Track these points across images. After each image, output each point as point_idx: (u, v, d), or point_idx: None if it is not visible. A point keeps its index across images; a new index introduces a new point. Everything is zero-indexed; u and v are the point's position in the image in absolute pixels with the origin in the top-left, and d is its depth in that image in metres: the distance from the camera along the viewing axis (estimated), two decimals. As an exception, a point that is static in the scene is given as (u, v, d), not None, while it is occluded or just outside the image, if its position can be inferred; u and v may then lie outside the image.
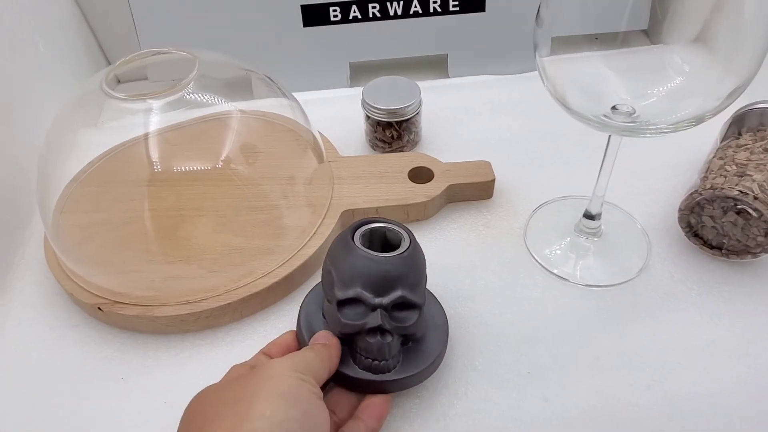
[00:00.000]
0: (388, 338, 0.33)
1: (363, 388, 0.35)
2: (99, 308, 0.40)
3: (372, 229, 0.36)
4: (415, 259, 0.34)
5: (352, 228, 0.36)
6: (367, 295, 0.33)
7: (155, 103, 0.40)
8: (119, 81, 0.61)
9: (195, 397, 0.30)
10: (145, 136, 0.46)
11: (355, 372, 0.34)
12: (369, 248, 0.34)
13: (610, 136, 0.37)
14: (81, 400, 0.38)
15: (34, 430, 0.36)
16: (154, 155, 0.45)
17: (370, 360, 0.34)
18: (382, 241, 0.37)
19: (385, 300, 0.33)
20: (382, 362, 0.33)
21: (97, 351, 0.40)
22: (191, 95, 0.41)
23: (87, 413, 0.37)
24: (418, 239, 0.46)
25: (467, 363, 0.38)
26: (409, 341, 0.35)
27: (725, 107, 0.31)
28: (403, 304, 0.33)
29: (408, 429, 0.35)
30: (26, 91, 0.51)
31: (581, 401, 0.36)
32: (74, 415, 0.37)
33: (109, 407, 0.37)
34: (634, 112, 0.35)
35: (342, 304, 0.33)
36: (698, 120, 0.31)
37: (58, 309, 0.43)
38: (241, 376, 0.30)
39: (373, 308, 0.33)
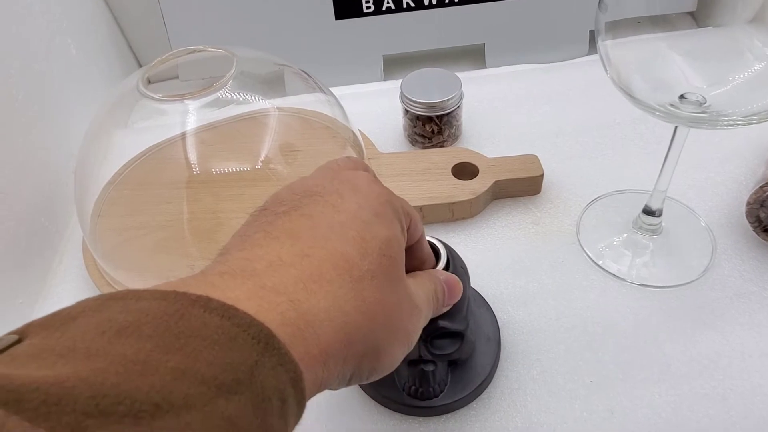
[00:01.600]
0: (430, 367, 0.32)
1: (409, 413, 0.34)
2: (140, 316, 0.39)
3: None
4: None
5: None
6: None
7: (192, 104, 0.39)
8: (150, 81, 0.60)
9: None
10: (181, 137, 0.45)
11: (401, 397, 0.33)
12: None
13: (676, 127, 0.35)
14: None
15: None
16: (191, 157, 0.44)
17: (415, 387, 0.32)
18: None
19: (423, 333, 0.31)
20: (428, 389, 0.32)
21: (139, 359, 0.39)
22: (228, 94, 0.40)
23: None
24: (464, 239, 0.45)
25: (524, 372, 0.36)
26: (457, 362, 0.34)
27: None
28: (443, 334, 0.32)
29: (465, 442, 0.33)
30: (60, 95, 0.51)
31: (651, 413, 0.34)
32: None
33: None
34: (705, 102, 0.32)
35: None
36: (786, 109, 0.28)
37: (98, 316, 0.42)
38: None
39: None
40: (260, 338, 0.16)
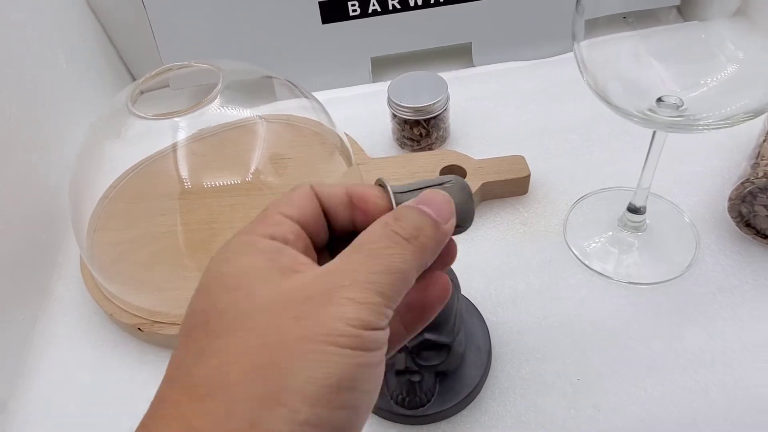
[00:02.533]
0: (416, 377, 0.33)
1: (398, 421, 0.35)
2: (139, 329, 0.40)
3: None
4: None
5: None
6: None
7: (182, 120, 0.39)
8: (141, 92, 0.61)
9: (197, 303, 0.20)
10: (172, 149, 0.46)
11: (389, 406, 0.34)
12: None
13: (655, 131, 0.35)
14: (129, 418, 0.38)
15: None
16: (182, 169, 0.45)
17: (402, 396, 0.33)
18: None
19: (409, 344, 0.32)
20: (415, 398, 0.33)
21: (139, 370, 0.40)
22: (217, 108, 0.40)
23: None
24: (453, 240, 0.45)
25: (513, 372, 0.37)
26: (445, 373, 0.35)
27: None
28: (429, 345, 0.32)
29: (457, 443, 0.34)
30: (52, 109, 0.51)
31: (636, 408, 0.35)
32: (122, 438, 0.37)
33: (156, 429, 0.37)
34: (682, 105, 0.33)
35: None
36: (757, 112, 0.29)
37: (98, 329, 0.43)
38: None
39: (399, 351, 0.32)
40: None
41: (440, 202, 0.21)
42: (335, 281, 0.18)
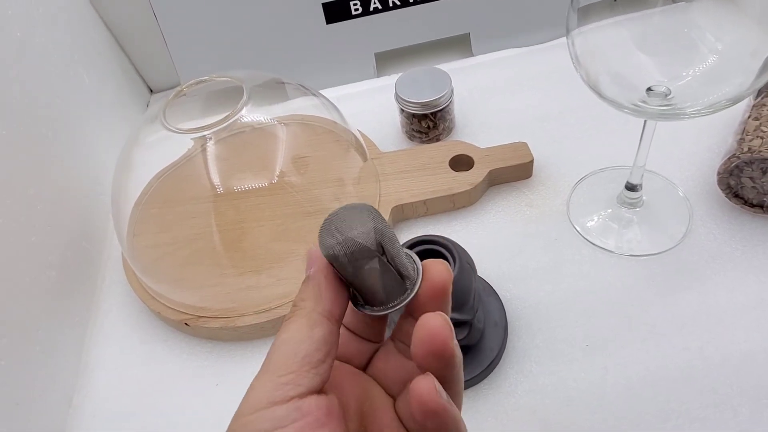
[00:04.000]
0: None
1: None
2: (186, 323, 0.44)
3: (418, 252, 0.36)
4: (460, 282, 0.35)
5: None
6: None
7: (213, 133, 0.43)
8: (152, 91, 0.64)
9: None
10: (195, 155, 0.50)
11: None
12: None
13: (645, 120, 0.39)
14: (183, 408, 0.42)
15: (146, 437, 0.41)
16: (212, 174, 0.48)
17: None
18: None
19: None
20: None
21: (190, 361, 0.44)
22: (242, 118, 0.44)
23: (190, 420, 0.41)
24: (465, 225, 0.49)
25: (528, 342, 0.41)
26: (467, 347, 0.38)
27: (762, 83, 0.32)
28: (453, 323, 0.36)
29: (482, 406, 0.38)
30: (81, 125, 0.55)
31: (639, 367, 0.39)
32: (180, 423, 0.41)
33: (211, 413, 0.41)
34: (670, 93, 0.36)
35: None
36: (736, 100, 0.32)
37: (146, 325, 0.47)
38: None
39: None
40: None
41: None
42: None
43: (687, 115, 0.34)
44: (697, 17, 0.36)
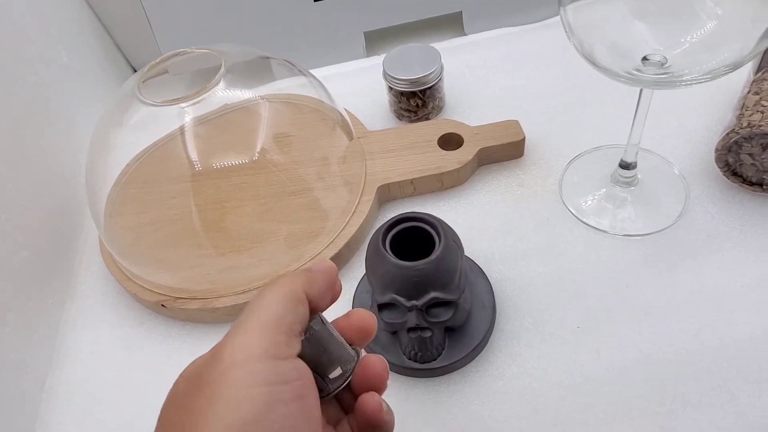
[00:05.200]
0: (427, 333, 0.35)
1: (412, 375, 0.38)
2: (162, 305, 0.43)
3: (403, 230, 0.36)
4: (446, 260, 0.34)
5: (383, 231, 0.36)
6: (401, 299, 0.34)
7: (189, 106, 0.41)
8: (146, 80, 0.62)
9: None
10: (177, 134, 0.48)
11: (402, 361, 0.37)
12: (403, 247, 0.35)
13: (641, 89, 0.37)
14: (159, 392, 0.40)
15: (119, 421, 0.39)
16: (190, 152, 0.46)
17: (415, 352, 0.36)
18: (416, 237, 0.36)
19: (419, 302, 0.34)
20: (426, 353, 0.36)
21: (166, 344, 0.43)
22: (221, 92, 0.42)
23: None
24: (454, 206, 0.48)
25: (518, 324, 0.39)
26: (454, 328, 0.37)
27: (763, 48, 0.30)
28: (437, 303, 0.35)
29: (469, 390, 0.37)
30: (59, 103, 0.53)
31: (633, 350, 0.37)
32: (155, 407, 0.40)
33: (187, 396, 0.39)
34: (666, 62, 0.35)
35: (381, 306, 0.35)
36: (736, 66, 0.31)
37: (122, 308, 0.46)
38: (192, 378, 0.22)
39: (409, 309, 0.34)
40: None
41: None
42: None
43: (684, 82, 0.32)
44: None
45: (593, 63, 0.35)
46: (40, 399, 0.42)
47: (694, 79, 0.32)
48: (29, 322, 0.43)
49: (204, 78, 0.46)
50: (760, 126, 0.39)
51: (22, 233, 0.44)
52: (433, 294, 0.34)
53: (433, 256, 0.34)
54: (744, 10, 0.32)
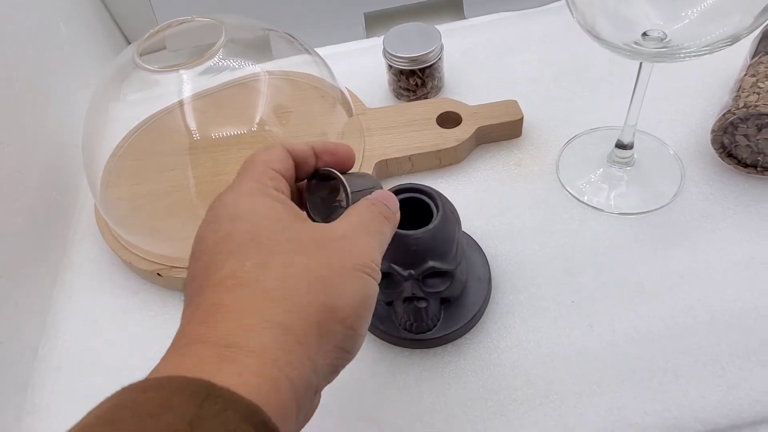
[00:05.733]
0: (423, 304, 0.35)
1: (407, 346, 0.38)
2: (158, 274, 0.42)
3: (402, 201, 0.35)
4: (444, 230, 0.34)
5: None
6: (398, 269, 0.34)
7: (186, 74, 0.41)
8: (140, 54, 0.61)
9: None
10: (176, 106, 0.48)
11: (398, 332, 0.37)
12: (401, 219, 0.35)
13: (641, 63, 0.37)
14: (151, 362, 0.40)
15: (111, 391, 0.39)
16: (190, 124, 0.46)
17: (410, 322, 0.36)
18: (414, 208, 0.36)
19: (415, 272, 0.34)
20: (422, 324, 0.36)
21: (161, 313, 0.43)
22: (220, 62, 0.42)
23: (160, 371, 0.39)
24: (452, 183, 0.48)
25: (513, 298, 0.40)
26: (449, 300, 0.37)
27: (763, 22, 0.31)
28: (434, 273, 0.35)
29: (463, 362, 0.37)
30: (55, 73, 0.52)
31: (626, 325, 0.37)
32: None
33: (181, 364, 0.39)
34: (666, 37, 0.35)
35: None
36: (734, 39, 0.31)
37: (117, 277, 0.46)
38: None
39: (406, 279, 0.34)
40: (199, 392, 0.18)
41: (393, 200, 0.28)
42: (357, 231, 0.25)
43: (683, 55, 0.32)
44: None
45: (595, 36, 0.35)
46: (32, 367, 0.41)
47: (694, 52, 0.33)
48: (23, 289, 0.42)
49: (200, 50, 0.45)
50: (756, 106, 0.40)
51: (16, 200, 0.43)
52: (430, 263, 0.34)
53: (430, 225, 0.34)
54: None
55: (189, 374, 0.19)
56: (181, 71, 0.40)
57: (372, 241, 0.25)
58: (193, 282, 0.23)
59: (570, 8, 0.36)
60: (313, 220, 0.28)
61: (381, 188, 0.30)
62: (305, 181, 0.28)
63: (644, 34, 0.36)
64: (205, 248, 0.24)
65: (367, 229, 0.25)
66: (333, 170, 0.28)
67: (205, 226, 0.25)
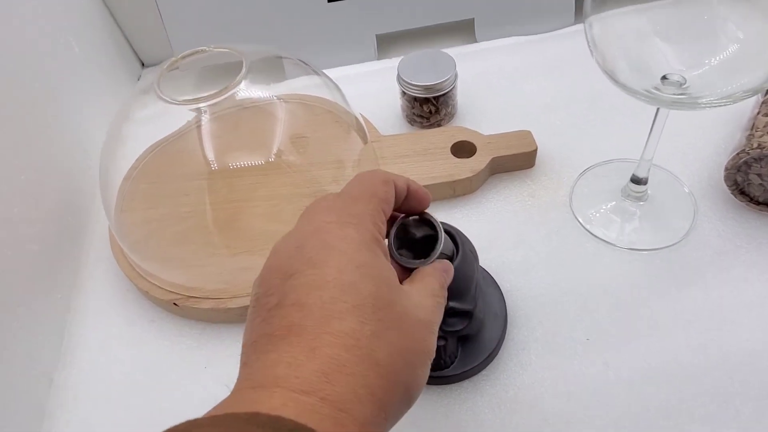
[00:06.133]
0: (441, 342, 0.35)
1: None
2: (175, 303, 0.43)
3: (413, 230, 0.35)
4: (463, 270, 0.34)
5: (398, 237, 0.33)
6: None
7: (208, 105, 0.41)
8: (143, 64, 0.62)
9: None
10: (190, 130, 0.48)
11: None
12: (412, 248, 0.35)
13: (658, 108, 0.38)
14: (169, 391, 0.40)
15: (128, 421, 0.39)
16: (206, 150, 0.47)
17: None
18: (425, 241, 0.37)
19: None
20: (440, 361, 0.36)
21: (177, 343, 0.43)
22: (240, 93, 0.42)
23: (176, 403, 0.40)
24: (466, 214, 0.48)
25: (528, 334, 0.40)
26: (467, 336, 0.37)
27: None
28: (453, 312, 0.35)
29: (480, 399, 0.37)
30: (69, 94, 0.52)
31: (641, 363, 0.38)
32: (165, 407, 0.40)
33: (198, 396, 0.40)
34: (685, 83, 0.35)
35: None
36: (755, 91, 0.31)
37: (132, 305, 0.46)
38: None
39: None
40: None
41: (450, 273, 0.30)
42: (435, 314, 0.26)
43: (702, 104, 0.33)
44: (718, 5, 0.35)
45: (614, 79, 0.35)
46: (48, 395, 0.41)
47: (712, 102, 0.33)
48: (38, 316, 0.42)
49: (215, 72, 0.46)
50: (771, 148, 0.40)
51: (30, 226, 0.43)
52: (450, 304, 0.35)
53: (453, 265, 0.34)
54: (766, 36, 0.33)
55: (298, 419, 0.19)
56: (202, 104, 0.41)
57: (437, 331, 0.26)
58: (301, 311, 0.22)
59: (590, 48, 0.37)
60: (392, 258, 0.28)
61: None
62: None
63: (664, 77, 0.36)
64: (324, 283, 0.23)
65: (438, 315, 0.26)
66: (437, 222, 0.29)
67: (326, 253, 0.23)
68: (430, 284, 0.27)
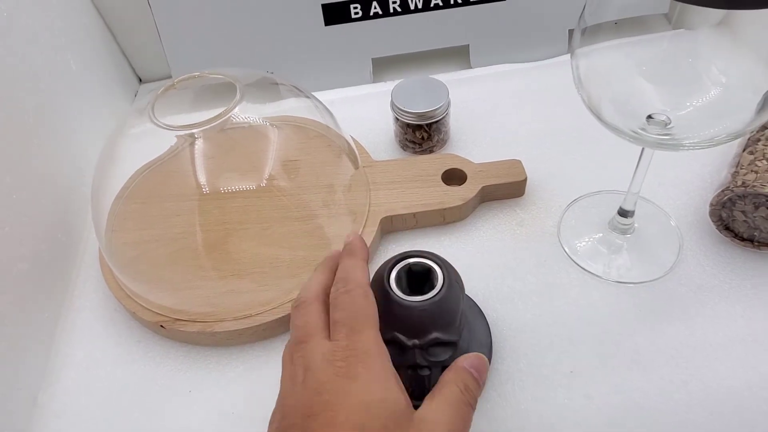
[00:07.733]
0: (425, 372, 0.35)
1: None
2: (161, 326, 0.43)
3: (409, 266, 0.37)
4: (448, 301, 0.35)
5: (389, 267, 0.36)
6: (402, 338, 0.35)
7: (203, 131, 0.41)
8: (141, 80, 0.63)
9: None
10: (181, 151, 0.48)
11: None
12: (407, 282, 0.36)
13: (643, 148, 0.38)
14: (153, 413, 0.40)
15: (113, 442, 0.39)
16: (198, 172, 0.47)
17: (411, 389, 0.36)
18: (419, 274, 0.37)
19: (420, 341, 0.35)
20: (424, 391, 0.36)
21: (163, 365, 0.43)
22: (233, 118, 0.42)
23: (160, 426, 0.40)
24: (454, 241, 0.48)
25: (512, 365, 0.40)
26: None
27: (765, 120, 0.32)
28: (437, 343, 0.35)
29: (462, 431, 0.37)
30: (65, 112, 0.53)
31: (623, 397, 0.38)
32: (150, 427, 0.40)
33: (182, 420, 0.40)
34: (670, 122, 0.36)
35: (385, 342, 0.36)
36: (737, 135, 0.32)
37: (120, 325, 0.46)
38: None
39: (410, 348, 0.35)
40: None
41: (483, 367, 0.32)
42: (446, 402, 0.29)
43: (685, 146, 0.34)
44: (702, 48, 0.36)
45: (599, 118, 0.36)
46: (32, 413, 0.41)
47: (696, 144, 0.34)
48: (23, 334, 0.42)
49: (210, 93, 0.46)
50: (754, 186, 0.41)
51: (22, 244, 0.44)
52: (434, 334, 0.35)
53: (437, 296, 0.35)
54: (748, 80, 0.33)
55: None
56: (196, 130, 0.41)
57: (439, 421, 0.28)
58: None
59: (576, 86, 0.37)
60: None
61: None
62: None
63: (649, 116, 0.37)
64: (352, 408, 0.27)
65: (460, 422, 0.29)
66: (435, 261, 0.35)
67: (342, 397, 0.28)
68: (448, 394, 0.29)
